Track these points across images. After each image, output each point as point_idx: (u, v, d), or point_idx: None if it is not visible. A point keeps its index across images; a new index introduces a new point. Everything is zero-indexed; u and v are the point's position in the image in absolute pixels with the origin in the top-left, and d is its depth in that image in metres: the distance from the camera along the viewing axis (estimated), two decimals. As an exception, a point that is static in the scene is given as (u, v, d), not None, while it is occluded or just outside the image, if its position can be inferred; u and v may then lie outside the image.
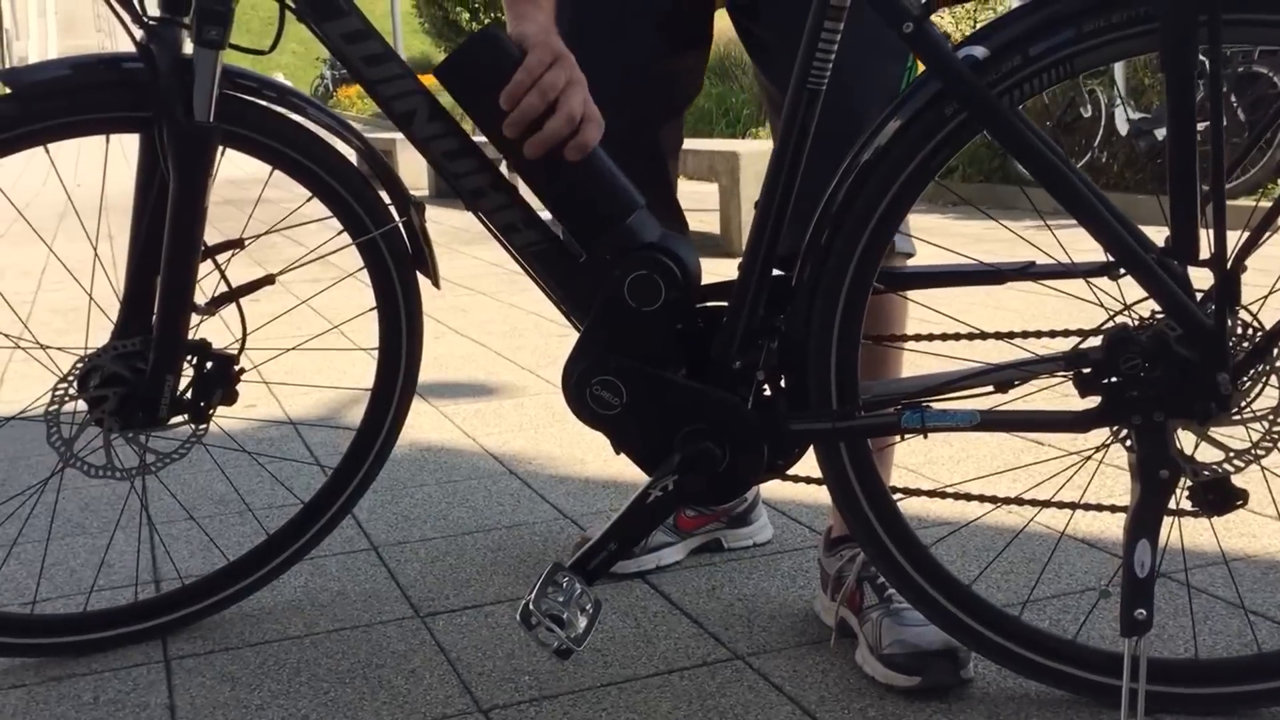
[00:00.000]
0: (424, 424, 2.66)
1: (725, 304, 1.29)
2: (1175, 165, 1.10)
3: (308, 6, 1.24)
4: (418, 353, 1.58)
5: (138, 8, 1.25)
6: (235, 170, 1.37)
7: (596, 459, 2.34)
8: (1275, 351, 1.17)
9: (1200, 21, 1.07)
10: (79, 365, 1.40)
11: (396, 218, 1.49)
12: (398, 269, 1.52)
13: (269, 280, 1.45)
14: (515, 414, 2.75)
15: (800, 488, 1.44)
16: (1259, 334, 1.16)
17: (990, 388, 1.27)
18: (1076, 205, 1.14)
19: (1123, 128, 6.36)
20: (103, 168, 1.41)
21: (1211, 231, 1.12)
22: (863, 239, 1.21)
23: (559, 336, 3.60)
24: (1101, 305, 1.23)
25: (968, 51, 1.15)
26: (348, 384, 3.03)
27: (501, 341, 3.60)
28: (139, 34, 1.27)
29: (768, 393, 1.31)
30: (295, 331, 3.34)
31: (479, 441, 2.53)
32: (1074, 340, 1.24)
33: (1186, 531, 1.76)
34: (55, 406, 1.39)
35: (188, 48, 1.29)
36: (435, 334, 3.69)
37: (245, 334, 1.46)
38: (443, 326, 3.83)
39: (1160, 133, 6.06)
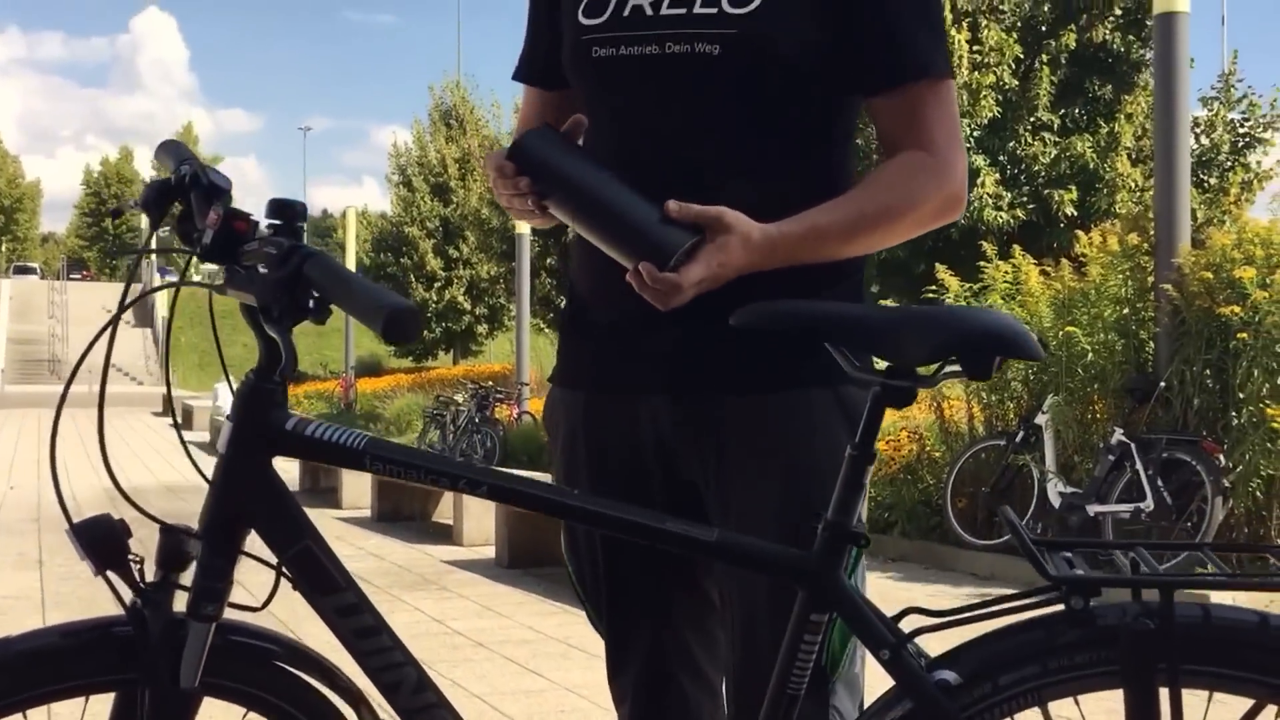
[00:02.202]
0: None
1: None
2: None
3: (305, 581, 1.27)
4: None
5: (137, 577, 1.26)
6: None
7: None
8: None
9: (1159, 669, 1.14)
10: None
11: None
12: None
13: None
14: None
15: None
16: None
17: None
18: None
19: (1055, 499, 6.58)
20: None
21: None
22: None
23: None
24: None
25: (940, 676, 1.20)
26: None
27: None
28: (129, 598, 1.28)
29: None
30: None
31: None
32: None
33: None
34: None
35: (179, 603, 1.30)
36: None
37: None
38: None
39: (1091, 509, 6.27)
